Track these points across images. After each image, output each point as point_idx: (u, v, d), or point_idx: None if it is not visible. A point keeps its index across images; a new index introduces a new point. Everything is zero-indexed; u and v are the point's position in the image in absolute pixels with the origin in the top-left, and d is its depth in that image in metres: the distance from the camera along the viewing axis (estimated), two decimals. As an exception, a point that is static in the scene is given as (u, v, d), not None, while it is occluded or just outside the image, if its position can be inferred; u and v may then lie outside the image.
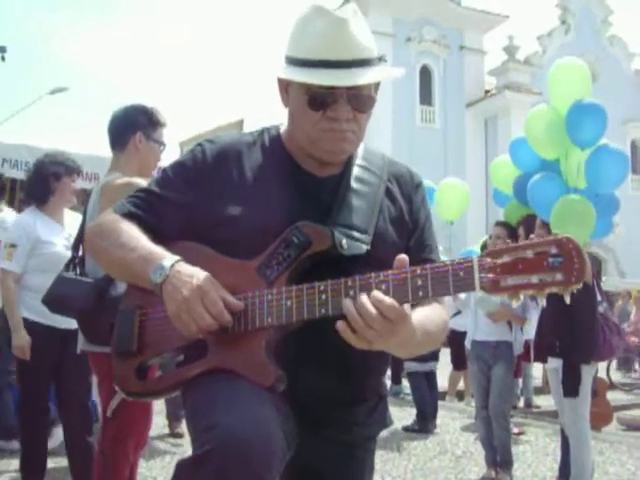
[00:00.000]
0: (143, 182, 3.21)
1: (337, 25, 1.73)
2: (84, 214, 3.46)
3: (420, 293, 1.54)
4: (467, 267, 1.51)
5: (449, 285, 1.52)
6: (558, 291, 1.46)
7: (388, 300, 1.52)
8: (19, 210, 6.09)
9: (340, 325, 1.54)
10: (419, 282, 1.54)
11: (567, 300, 1.44)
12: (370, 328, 1.52)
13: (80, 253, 3.38)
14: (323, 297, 1.60)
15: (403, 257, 1.59)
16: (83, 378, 4.35)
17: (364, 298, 1.53)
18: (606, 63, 32.84)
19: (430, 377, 7.95)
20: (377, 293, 1.53)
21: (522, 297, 1.51)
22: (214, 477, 1.44)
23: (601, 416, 7.87)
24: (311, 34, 1.76)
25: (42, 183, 4.44)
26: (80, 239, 3.42)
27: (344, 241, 1.72)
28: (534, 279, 1.46)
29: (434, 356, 7.73)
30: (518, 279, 1.48)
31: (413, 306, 1.73)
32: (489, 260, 1.50)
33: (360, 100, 1.79)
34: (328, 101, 1.76)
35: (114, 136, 3.47)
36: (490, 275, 1.49)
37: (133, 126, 3.42)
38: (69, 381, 4.34)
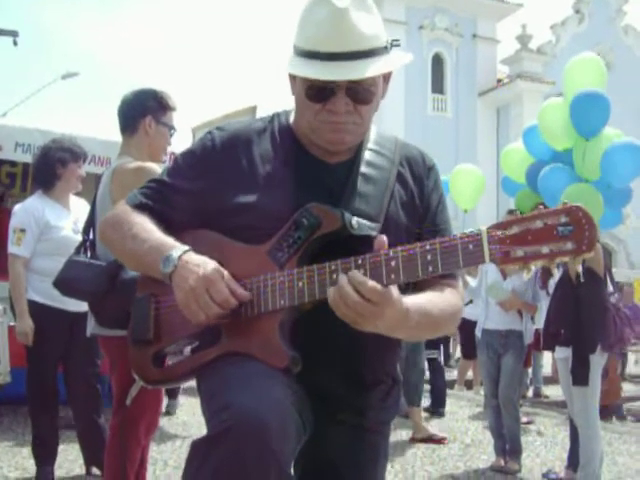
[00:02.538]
0: (154, 166, 3.21)
1: (335, 15, 1.69)
2: (94, 198, 3.46)
3: (430, 268, 1.53)
4: (476, 240, 1.50)
5: (459, 259, 1.51)
6: (569, 260, 1.45)
7: (369, 283, 1.50)
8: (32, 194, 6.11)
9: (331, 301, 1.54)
10: (428, 257, 1.53)
11: (579, 270, 1.43)
12: (351, 309, 1.51)
13: (91, 236, 3.38)
14: (334, 276, 1.59)
15: (381, 238, 1.58)
16: (92, 361, 4.38)
17: (343, 280, 1.52)
18: (620, 53, 32.58)
19: (432, 363, 7.90)
20: (356, 274, 1.52)
21: (533, 268, 1.50)
22: (229, 456, 1.43)
23: (609, 391, 7.70)
24: (311, 24, 1.74)
25: (48, 169, 4.46)
26: (91, 223, 3.42)
27: (354, 220, 1.70)
28: (544, 249, 1.45)
29: (433, 344, 7.61)
30: (528, 250, 1.46)
31: (422, 289, 1.73)
32: (498, 232, 1.49)
33: (359, 93, 1.75)
34: (326, 94, 1.73)
35: (124, 120, 3.46)
36: (500, 247, 1.48)
37: (143, 110, 3.41)
38: (77, 363, 4.38)
